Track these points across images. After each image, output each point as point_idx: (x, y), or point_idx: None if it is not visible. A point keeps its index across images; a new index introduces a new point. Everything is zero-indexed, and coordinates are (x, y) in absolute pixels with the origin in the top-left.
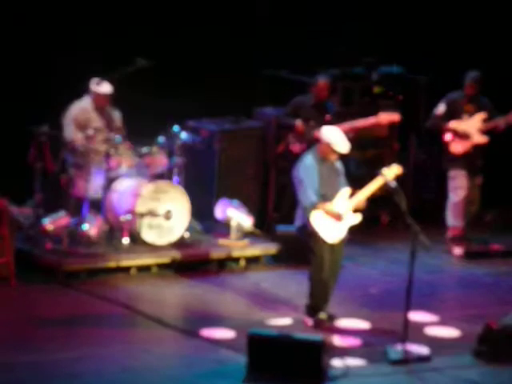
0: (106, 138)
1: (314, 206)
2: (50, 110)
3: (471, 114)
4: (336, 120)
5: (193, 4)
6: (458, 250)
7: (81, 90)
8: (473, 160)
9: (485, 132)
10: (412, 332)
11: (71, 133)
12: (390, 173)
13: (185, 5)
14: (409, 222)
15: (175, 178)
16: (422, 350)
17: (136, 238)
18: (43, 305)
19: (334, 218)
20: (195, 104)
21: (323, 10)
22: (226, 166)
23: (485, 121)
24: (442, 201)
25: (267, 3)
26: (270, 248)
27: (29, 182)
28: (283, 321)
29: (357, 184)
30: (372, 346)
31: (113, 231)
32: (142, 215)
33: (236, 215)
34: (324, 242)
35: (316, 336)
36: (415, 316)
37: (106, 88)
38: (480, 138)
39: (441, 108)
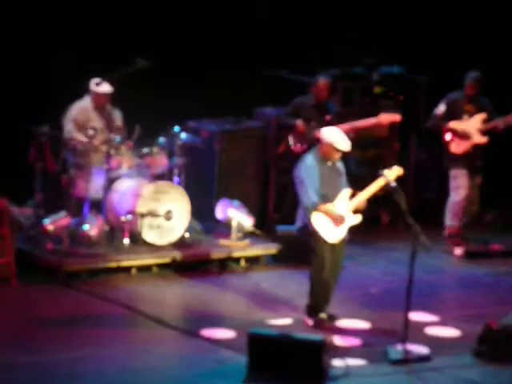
0: (106, 138)
1: (314, 207)
2: (51, 110)
3: (471, 114)
4: (336, 120)
5: (193, 4)
6: (458, 250)
7: (81, 90)
8: (472, 160)
9: (484, 132)
10: (412, 332)
11: (71, 133)
12: (391, 174)
13: (185, 5)
14: (409, 222)
15: (175, 178)
16: (422, 349)
17: (136, 239)
18: (44, 305)
19: (335, 220)
20: (195, 104)
21: (323, 10)
22: (227, 166)
23: (485, 121)
24: (442, 201)
25: (267, 3)
26: (271, 248)
27: (29, 182)
28: (283, 321)
29: (357, 184)
30: (372, 345)
31: (113, 231)
32: (142, 215)
33: (236, 215)
34: (325, 242)
35: (316, 336)
36: (415, 316)
37: (105, 87)
38: (480, 139)
39: (441, 108)
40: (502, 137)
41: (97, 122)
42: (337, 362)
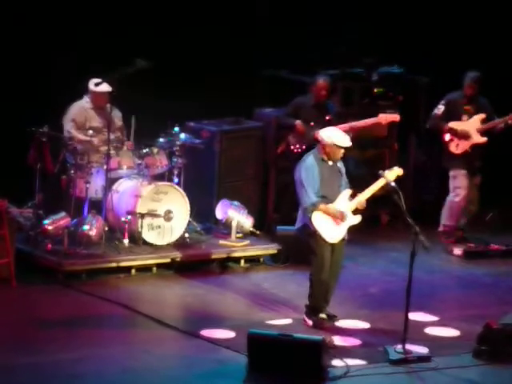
0: (106, 139)
1: (314, 207)
2: (50, 111)
3: (470, 114)
4: (336, 120)
5: (193, 4)
6: (457, 251)
7: (81, 91)
8: (472, 160)
9: (484, 132)
10: (412, 332)
11: (71, 133)
12: (391, 174)
13: (185, 5)
14: (409, 222)
15: (175, 178)
16: (422, 349)
17: (136, 239)
18: (44, 305)
19: (336, 218)
20: (195, 104)
21: (323, 10)
22: (226, 166)
23: (484, 121)
24: (441, 202)
25: (267, 3)
26: (270, 248)
27: (29, 182)
28: (283, 321)
29: (355, 184)
30: (372, 346)
31: (113, 232)
32: (142, 216)
33: (236, 216)
34: (325, 242)
35: (316, 336)
36: (415, 316)
37: (103, 87)
38: (479, 139)
39: (440, 108)
40: (501, 137)
41: (96, 122)
42: (336, 362)
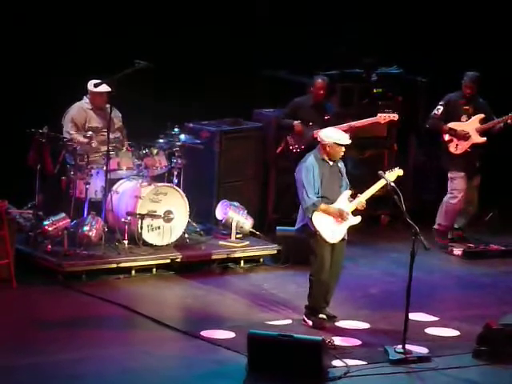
0: (105, 139)
1: (315, 207)
2: (50, 112)
3: (469, 114)
4: (335, 120)
5: (193, 4)
6: (457, 251)
7: (80, 91)
8: (471, 161)
9: (483, 132)
10: (412, 332)
11: (71, 134)
12: (392, 175)
13: (185, 5)
14: (409, 223)
15: (175, 179)
16: (422, 350)
17: (136, 240)
18: (44, 306)
19: (337, 216)
20: (195, 105)
21: (323, 10)
22: (226, 167)
23: (483, 121)
24: (441, 202)
25: (267, 3)
26: (270, 249)
27: (29, 183)
28: (283, 321)
29: (354, 184)
30: (372, 346)
31: (113, 233)
32: (142, 217)
33: (236, 216)
34: (325, 242)
35: (316, 336)
36: (415, 316)
37: (102, 87)
38: (478, 139)
39: (439, 109)
40: (501, 137)
41: (96, 122)
42: (336, 363)
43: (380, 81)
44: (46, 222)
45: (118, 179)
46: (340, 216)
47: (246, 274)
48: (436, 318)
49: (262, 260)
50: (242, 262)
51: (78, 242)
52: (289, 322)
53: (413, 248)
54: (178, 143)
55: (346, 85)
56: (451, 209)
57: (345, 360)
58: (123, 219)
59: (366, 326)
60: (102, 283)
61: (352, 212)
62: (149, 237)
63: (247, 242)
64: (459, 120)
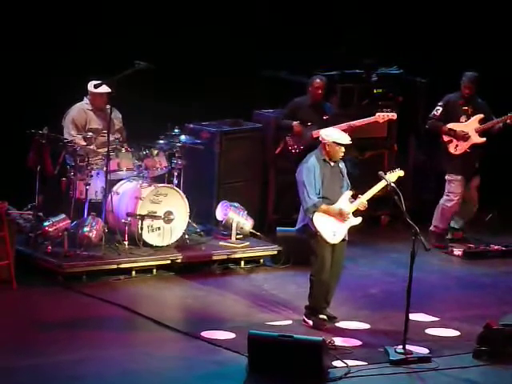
0: (105, 140)
1: (316, 207)
2: (50, 113)
3: (469, 115)
4: (334, 120)
5: (193, 4)
6: (457, 251)
7: (81, 92)
8: (470, 162)
9: (482, 133)
10: (412, 332)
11: (71, 135)
12: (393, 176)
13: (185, 5)
14: (409, 223)
15: (175, 180)
16: (423, 350)
17: (136, 240)
18: (44, 307)
19: (338, 216)
20: (195, 106)
21: (323, 10)
22: (226, 167)
23: (482, 122)
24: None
25: (267, 3)
26: (271, 250)
27: (29, 184)
28: (283, 322)
29: (354, 184)
30: (372, 346)
31: (113, 234)
32: (142, 217)
33: (236, 217)
34: (325, 243)
35: (316, 337)
36: (415, 316)
37: (102, 88)
38: (478, 139)
39: (438, 109)
40: (501, 137)
41: (96, 123)
42: (337, 363)
43: (380, 81)
44: (46, 223)
45: (118, 180)
46: (340, 216)
47: (246, 275)
48: (436, 319)
49: (262, 261)
50: (243, 262)
51: (78, 242)
52: (289, 322)
53: (413, 248)
54: (178, 144)
55: (346, 85)
56: (447, 211)
57: (345, 360)
58: (123, 220)
59: (366, 326)
60: (102, 284)
61: (353, 213)
62: (149, 237)
63: (247, 243)
64: (458, 120)
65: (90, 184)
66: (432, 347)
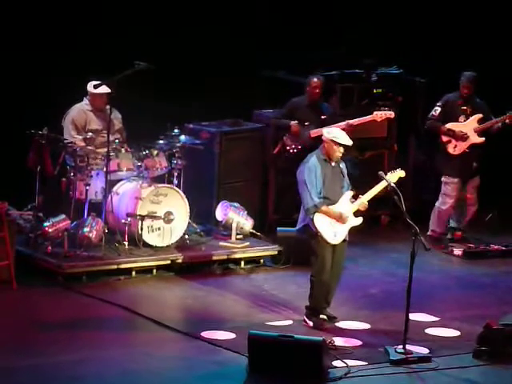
0: (105, 141)
1: (317, 208)
2: (50, 113)
3: (467, 114)
4: (332, 120)
5: (193, 4)
6: (457, 251)
7: (81, 92)
8: (469, 162)
9: (481, 133)
10: (412, 332)
11: (71, 136)
12: (394, 177)
13: (185, 5)
14: (409, 223)
15: (175, 180)
16: (423, 350)
17: (136, 241)
18: (44, 308)
19: (338, 219)
20: (195, 106)
21: (323, 10)
22: (226, 168)
23: (481, 121)
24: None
25: (267, 3)
26: (271, 250)
27: (29, 185)
28: (284, 322)
29: (354, 184)
30: (373, 346)
31: (113, 234)
32: (142, 218)
33: (236, 217)
34: (326, 243)
35: (317, 337)
36: (415, 316)
37: (102, 88)
38: (477, 139)
39: (437, 110)
40: (500, 137)
41: (96, 124)
42: (337, 363)
43: (380, 81)
44: (46, 224)
45: (118, 180)
46: (340, 220)
47: (246, 275)
48: (436, 319)
49: (262, 261)
50: (243, 262)
51: (78, 243)
52: (289, 322)
53: (413, 248)
54: (178, 144)
55: (345, 85)
56: (443, 214)
57: (345, 360)
58: (123, 220)
59: (366, 326)
60: (102, 284)
61: (353, 213)
62: (149, 238)
63: (247, 243)
64: (457, 120)
65: (89, 184)
66: (432, 347)
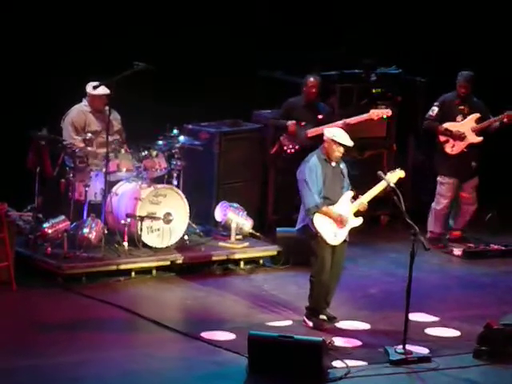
0: (104, 141)
1: (317, 208)
2: (50, 114)
3: (465, 114)
4: (328, 119)
5: (193, 4)
6: (457, 251)
7: (80, 93)
8: (466, 162)
9: (479, 132)
10: (412, 332)
11: (70, 137)
12: (393, 177)
13: (185, 5)
14: (408, 223)
15: (174, 181)
16: (423, 350)
17: (136, 242)
18: (44, 309)
19: (338, 221)
20: (194, 106)
21: (323, 10)
22: (225, 168)
23: (478, 121)
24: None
25: (267, 3)
26: (270, 250)
27: (28, 186)
28: (283, 322)
29: (353, 184)
30: (372, 346)
31: (113, 235)
32: (141, 218)
33: (235, 217)
34: (326, 244)
35: (316, 337)
36: (415, 316)
37: (101, 89)
38: (474, 139)
39: (434, 110)
40: (499, 136)
41: (95, 125)
42: (337, 363)
43: (379, 81)
44: (45, 225)
45: (118, 181)
46: (340, 222)
47: (246, 276)
48: (436, 318)
49: (261, 261)
50: (242, 263)
51: (77, 244)
52: (289, 323)
53: (412, 248)
54: (177, 145)
55: (345, 85)
56: (438, 214)
57: (345, 361)
58: (123, 221)
59: (366, 326)
60: (101, 285)
61: (354, 213)
62: (148, 239)
63: (247, 243)
64: (455, 120)
65: (89, 185)
66: (432, 347)
